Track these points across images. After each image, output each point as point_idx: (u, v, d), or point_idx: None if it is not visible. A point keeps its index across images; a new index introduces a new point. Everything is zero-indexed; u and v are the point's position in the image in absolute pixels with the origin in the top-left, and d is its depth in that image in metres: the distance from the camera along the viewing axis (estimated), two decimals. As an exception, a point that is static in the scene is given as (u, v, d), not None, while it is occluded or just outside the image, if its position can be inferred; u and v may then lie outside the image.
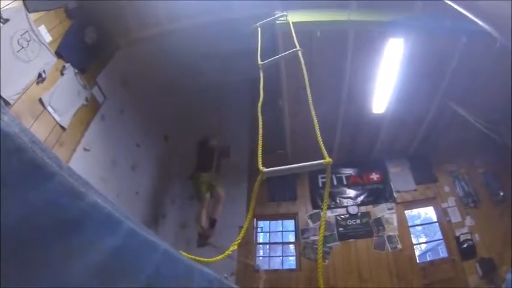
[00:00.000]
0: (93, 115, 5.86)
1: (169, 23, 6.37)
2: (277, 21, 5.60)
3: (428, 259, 9.98)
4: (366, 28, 6.02)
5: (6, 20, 4.11)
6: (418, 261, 7.88)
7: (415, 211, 9.75)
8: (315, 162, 2.28)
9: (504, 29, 2.29)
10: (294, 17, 5.53)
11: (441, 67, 6.73)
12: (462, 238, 7.56)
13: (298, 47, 4.09)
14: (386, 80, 6.92)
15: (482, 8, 2.46)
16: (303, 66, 3.57)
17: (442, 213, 8.17)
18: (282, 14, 5.59)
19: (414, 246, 8.22)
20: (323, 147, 2.40)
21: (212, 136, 7.83)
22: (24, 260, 0.75)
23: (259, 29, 5.07)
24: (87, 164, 5.51)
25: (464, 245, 7.47)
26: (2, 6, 4.05)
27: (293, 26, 5.03)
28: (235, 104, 9.35)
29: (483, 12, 2.46)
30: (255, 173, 2.37)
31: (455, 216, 7.91)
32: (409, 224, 8.52)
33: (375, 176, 8.98)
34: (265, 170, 2.29)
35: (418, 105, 7.67)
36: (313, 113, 2.79)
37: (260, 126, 2.82)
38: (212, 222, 6.95)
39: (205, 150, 7.60)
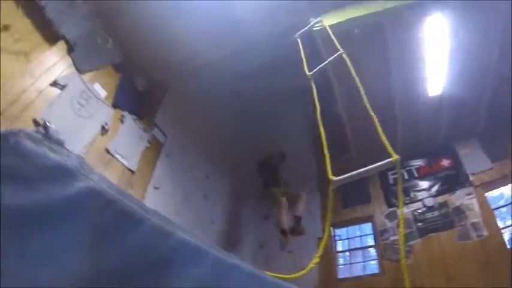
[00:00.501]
0: (158, 155, 6.17)
1: (209, 55, 6.55)
2: (314, 28, 5.58)
3: (519, 242, 9.32)
4: (402, 13, 5.83)
5: (64, 86, 4.51)
6: (508, 247, 7.32)
7: (496, 192, 9.17)
8: (383, 162, 2.24)
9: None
10: (328, 19, 5.50)
11: (490, 33, 6.32)
12: (555, 211, 6.95)
13: (341, 50, 4.05)
14: (434, 60, 6.65)
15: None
16: (351, 67, 3.53)
17: (526, 188, 7.55)
18: (317, 20, 5.57)
19: (502, 231, 7.57)
20: (388, 146, 2.35)
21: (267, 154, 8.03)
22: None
23: (298, 39, 5.07)
24: (160, 201, 5.77)
25: (559, 218, 6.87)
26: (57, 75, 4.46)
27: (330, 29, 4.99)
28: (291, 118, 9.38)
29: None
30: (324, 182, 2.36)
31: (541, 189, 7.31)
32: (492, 206, 7.92)
33: (445, 162, 8.54)
34: (335, 178, 2.27)
35: (476, 78, 7.26)
36: (371, 112, 2.75)
37: (322, 135, 2.82)
38: (297, 219, 6.96)
39: (267, 169, 7.70)
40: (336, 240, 8.78)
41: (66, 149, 0.87)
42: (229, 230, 8.01)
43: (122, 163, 5.21)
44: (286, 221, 6.79)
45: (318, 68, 4.13)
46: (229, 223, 8.13)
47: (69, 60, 4.73)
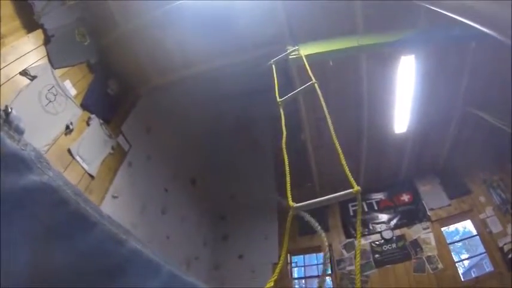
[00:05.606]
0: (120, 163, 5.98)
1: (186, 69, 6.50)
2: (290, 56, 5.56)
3: (473, 275, 9.57)
4: (376, 50, 6.01)
5: (34, 77, 4.35)
6: (462, 279, 7.50)
7: (452, 227, 9.41)
8: (344, 192, 2.24)
9: (507, 30, 2.26)
10: (305, 49, 5.54)
11: (456, 76, 6.69)
12: (506, 248, 7.13)
13: (313, 80, 4.08)
14: (404, 98, 6.87)
15: (482, 13, 2.44)
16: (321, 98, 3.56)
17: (481, 225, 7.77)
18: (294, 48, 5.58)
19: (456, 264, 7.86)
20: (350, 177, 2.36)
21: None
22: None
23: (273, 66, 5.07)
24: (117, 211, 5.57)
25: (510, 255, 7.07)
26: (29, 64, 4.31)
27: (306, 58, 5.03)
28: (258, 141, 9.46)
29: (484, 17, 2.44)
30: (285, 209, 2.35)
31: (495, 226, 7.51)
32: (448, 241, 8.18)
33: (405, 197, 8.77)
34: (295, 205, 2.26)
35: (440, 118, 7.60)
36: (336, 142, 2.77)
37: (286, 162, 2.82)
38: None
39: None
40: (292, 267, 8.77)
41: (25, 139, 0.82)
42: (185, 247, 7.79)
43: (82, 166, 4.97)
44: None
45: (289, 95, 4.13)
46: (186, 241, 7.92)
47: (43, 51, 4.60)
